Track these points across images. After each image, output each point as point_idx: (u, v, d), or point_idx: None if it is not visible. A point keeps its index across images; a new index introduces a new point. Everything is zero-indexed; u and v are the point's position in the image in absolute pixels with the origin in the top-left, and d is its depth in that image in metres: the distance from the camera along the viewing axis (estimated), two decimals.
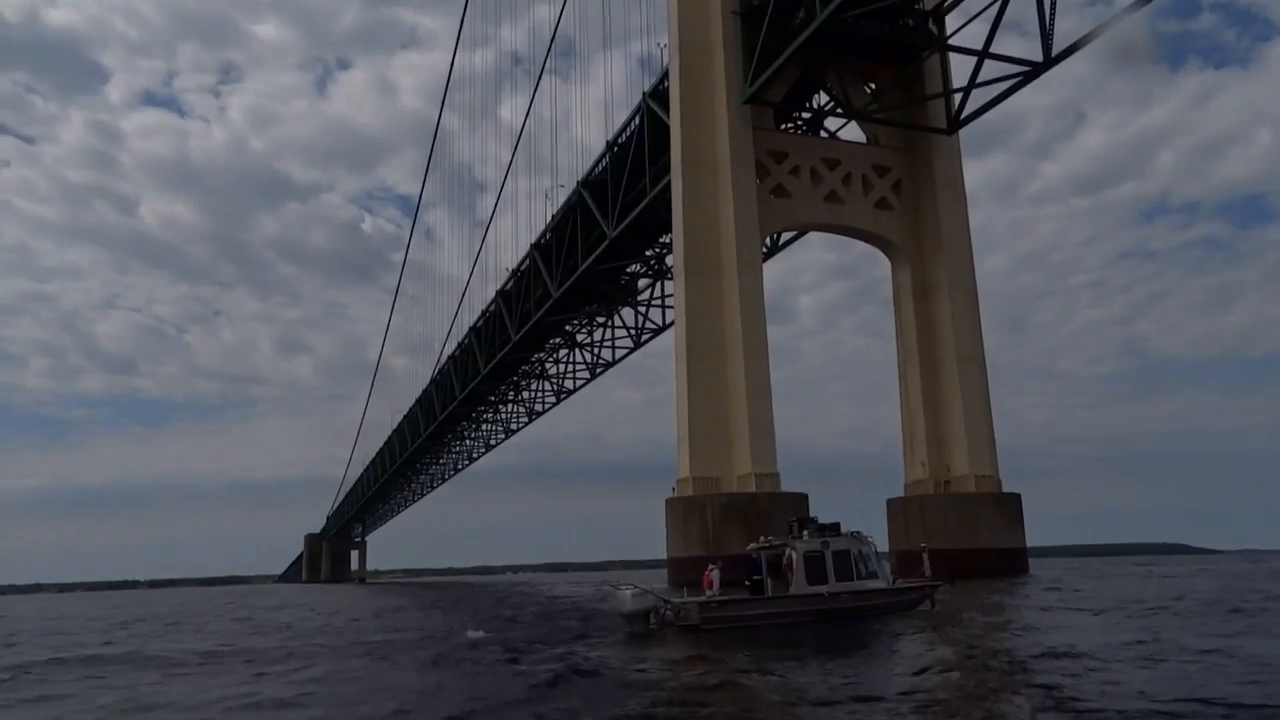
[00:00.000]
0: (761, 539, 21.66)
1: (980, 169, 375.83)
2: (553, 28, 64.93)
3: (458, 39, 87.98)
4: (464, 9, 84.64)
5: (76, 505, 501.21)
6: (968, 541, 42.68)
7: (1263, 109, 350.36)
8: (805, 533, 20.76)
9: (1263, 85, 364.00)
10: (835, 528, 21.06)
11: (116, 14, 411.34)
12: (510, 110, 75.73)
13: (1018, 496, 45.67)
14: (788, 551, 20.31)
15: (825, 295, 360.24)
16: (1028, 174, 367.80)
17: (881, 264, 49.98)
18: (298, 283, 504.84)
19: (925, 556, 26.90)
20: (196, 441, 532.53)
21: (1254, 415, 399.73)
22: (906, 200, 48.55)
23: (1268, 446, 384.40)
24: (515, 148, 73.82)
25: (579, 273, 61.99)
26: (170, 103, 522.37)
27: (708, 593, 20.57)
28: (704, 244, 43.67)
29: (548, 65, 67.52)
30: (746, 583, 21.03)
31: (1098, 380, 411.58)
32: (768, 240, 58.64)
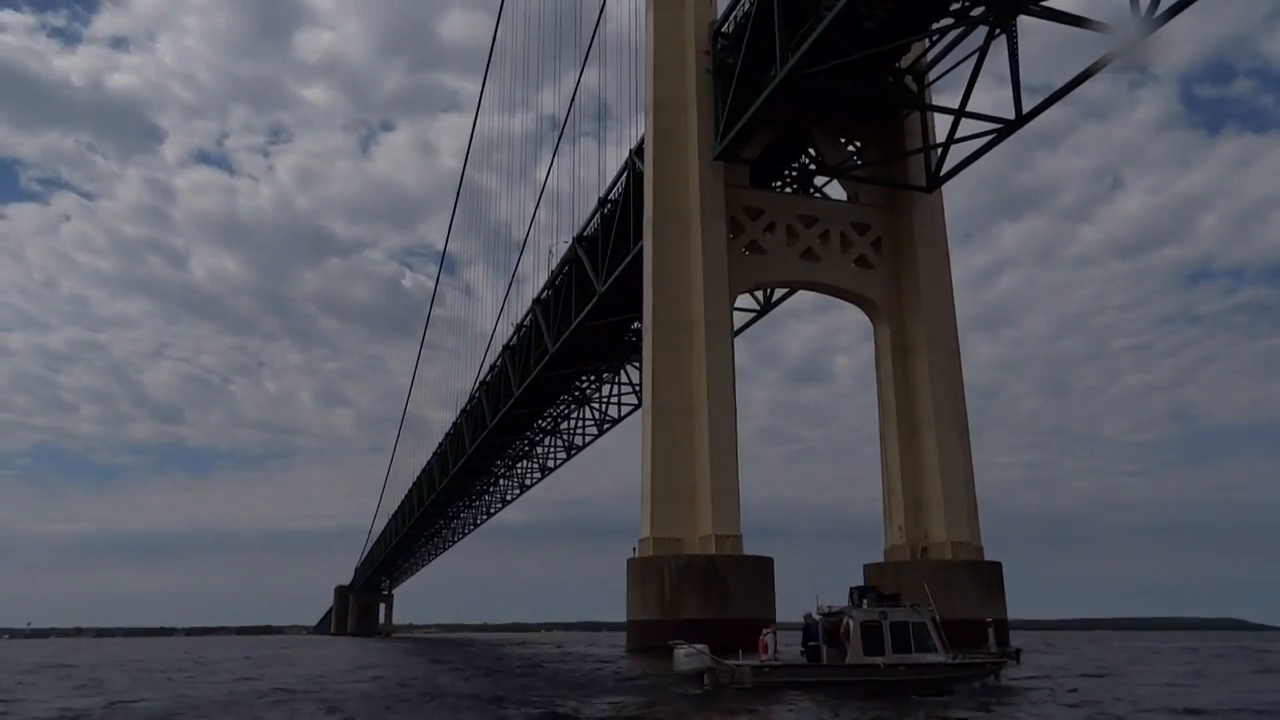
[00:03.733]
0: (820, 607, 21.51)
1: (1017, 231, 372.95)
2: (574, 88, 65.32)
3: (479, 101, 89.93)
4: (485, 74, 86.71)
5: (119, 551, 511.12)
6: (943, 612, 40.71)
7: None
8: (865, 602, 20.55)
9: None
10: (895, 599, 20.94)
11: (174, 78, 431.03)
12: (533, 168, 75.96)
13: (998, 565, 43.83)
14: (845, 620, 20.15)
15: (863, 355, 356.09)
16: (1066, 237, 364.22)
17: None
18: (339, 336, 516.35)
19: (991, 630, 25.62)
20: (238, 490, 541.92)
21: None
22: (887, 258, 47.74)
23: None
24: (537, 205, 74.15)
25: (572, 328, 61.86)
26: (221, 161, 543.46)
27: (763, 656, 20.61)
28: (673, 300, 43.25)
29: (568, 124, 68.00)
30: (802, 649, 21.13)
31: (1144, 447, 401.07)
32: (759, 296, 58.22)
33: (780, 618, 43.24)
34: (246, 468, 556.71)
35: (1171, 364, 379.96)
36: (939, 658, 20.22)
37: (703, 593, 38.37)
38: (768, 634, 21.00)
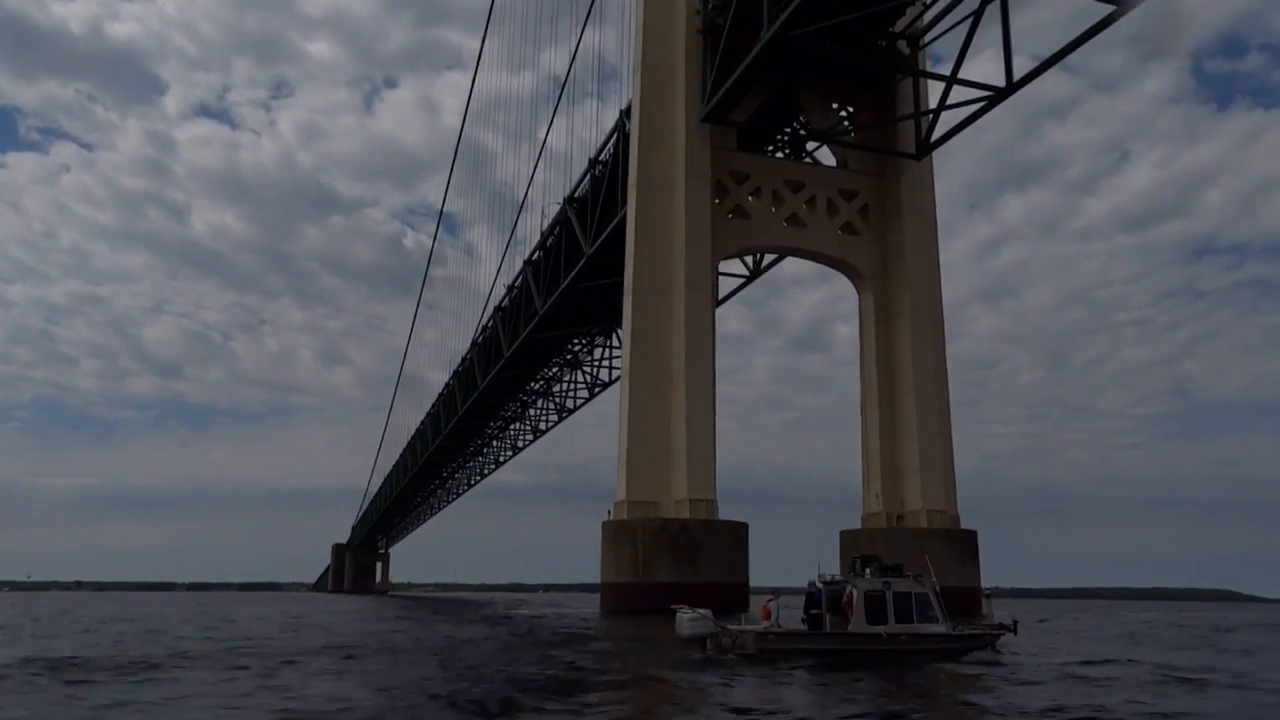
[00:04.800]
0: (822, 575, 21.66)
1: (1023, 203, 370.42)
2: (574, 47, 64.27)
3: (478, 59, 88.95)
4: (485, 31, 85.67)
5: (120, 505, 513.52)
6: None
7: None
8: (868, 571, 20.67)
9: None
10: (898, 569, 21.02)
11: (175, 29, 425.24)
12: (534, 127, 74.87)
13: (973, 534, 43.98)
14: (849, 589, 20.22)
15: None
16: (1071, 210, 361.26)
17: None
18: (340, 295, 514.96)
19: (988, 601, 25.89)
20: (238, 447, 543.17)
21: None
22: (874, 225, 47.36)
23: None
24: (535, 165, 73.37)
25: (560, 290, 61.59)
26: (223, 115, 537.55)
27: (765, 624, 20.60)
28: (654, 263, 43.03)
29: (569, 83, 67.16)
30: (804, 618, 21.18)
31: (1143, 420, 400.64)
32: (748, 262, 57.96)
33: (756, 582, 43.61)
34: (246, 425, 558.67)
35: (1173, 338, 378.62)
36: (940, 628, 20.39)
37: (674, 556, 38.55)
38: (771, 601, 20.97)
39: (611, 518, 41.72)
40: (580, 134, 61.66)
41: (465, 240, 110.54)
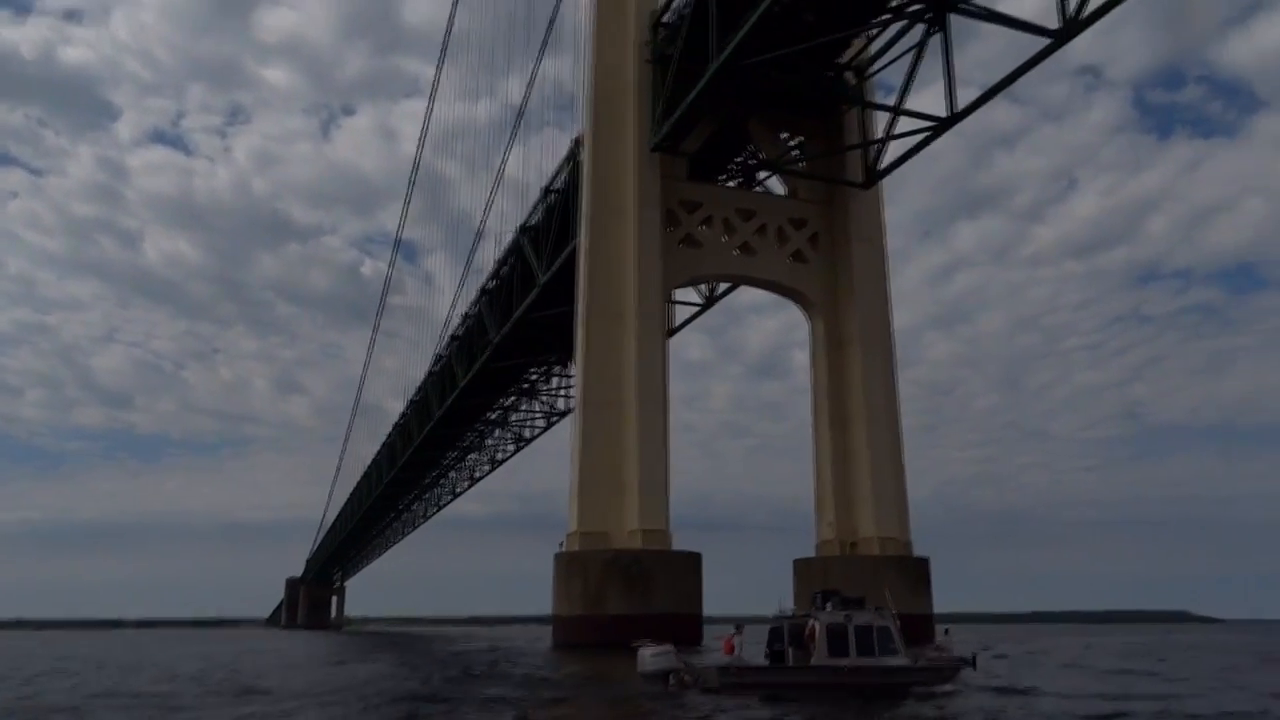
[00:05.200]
0: (783, 607, 21.61)
1: (975, 230, 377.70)
2: (531, 75, 64.06)
3: (434, 87, 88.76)
4: (440, 59, 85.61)
5: (67, 539, 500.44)
6: None
7: (1251, 179, 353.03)
8: (829, 605, 20.48)
9: (1250, 155, 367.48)
10: (860, 602, 20.85)
11: (129, 54, 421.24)
12: (491, 155, 74.55)
13: (925, 561, 44.06)
14: (810, 623, 20.09)
15: None
16: (1021, 237, 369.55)
17: None
18: (296, 323, 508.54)
19: (947, 633, 25.80)
20: (190, 479, 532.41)
21: (1256, 482, 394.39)
22: (823, 253, 47.71)
23: (1269, 514, 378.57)
24: (492, 193, 73.00)
25: (514, 319, 61.23)
26: (177, 141, 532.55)
27: (728, 658, 20.52)
28: (606, 291, 42.87)
29: (526, 112, 66.91)
30: (767, 651, 20.99)
31: (1096, 444, 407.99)
32: (703, 290, 58.07)
33: (715, 612, 43.27)
34: (199, 456, 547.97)
35: (1122, 362, 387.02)
36: (902, 661, 20.26)
37: (626, 588, 38.09)
38: (734, 636, 20.94)
39: (564, 549, 41.18)
40: (538, 162, 61.61)
41: (424, 268, 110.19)
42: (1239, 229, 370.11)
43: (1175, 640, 59.49)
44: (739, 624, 22.09)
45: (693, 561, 40.64)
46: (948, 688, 20.68)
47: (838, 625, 19.76)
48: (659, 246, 43.57)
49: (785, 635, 20.50)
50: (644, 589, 38.20)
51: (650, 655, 20.10)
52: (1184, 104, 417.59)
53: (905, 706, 17.70)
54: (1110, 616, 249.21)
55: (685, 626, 37.66)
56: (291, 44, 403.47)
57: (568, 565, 40.10)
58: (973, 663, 21.95)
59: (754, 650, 21.26)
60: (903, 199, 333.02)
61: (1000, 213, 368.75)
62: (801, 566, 45.49)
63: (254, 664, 37.33)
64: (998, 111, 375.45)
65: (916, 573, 43.40)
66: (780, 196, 49.53)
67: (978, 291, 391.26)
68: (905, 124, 42.28)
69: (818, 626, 19.79)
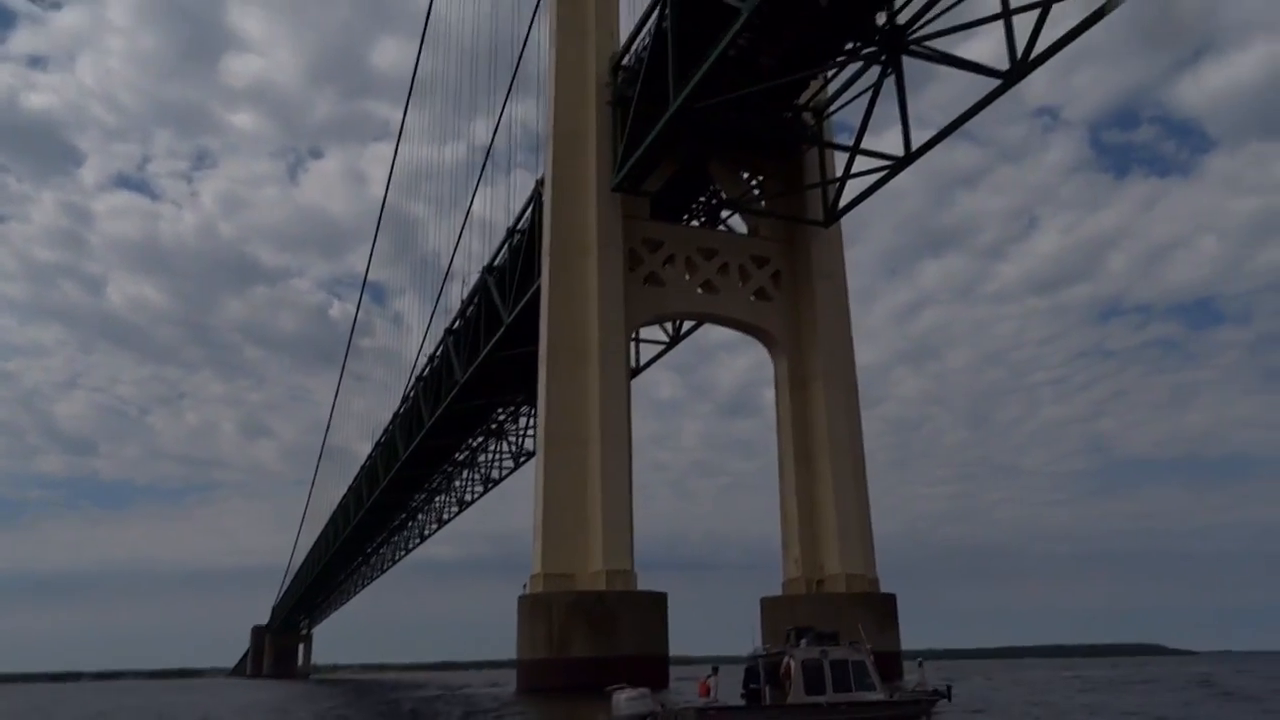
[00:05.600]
0: (757, 646, 21.24)
1: (939, 268, 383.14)
2: (498, 117, 63.99)
3: (400, 129, 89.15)
4: (407, 102, 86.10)
5: (26, 590, 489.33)
6: None
7: (1205, 217, 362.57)
8: (803, 641, 20.18)
9: (1204, 194, 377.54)
10: (834, 637, 20.57)
11: (94, 100, 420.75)
12: (459, 197, 74.60)
13: (892, 597, 43.94)
14: (785, 660, 19.72)
15: None
16: (985, 274, 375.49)
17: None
18: (264, 366, 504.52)
19: (921, 667, 25.60)
20: (155, 526, 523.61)
21: (1221, 514, 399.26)
22: (785, 291, 48.06)
23: (1236, 546, 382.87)
24: (459, 235, 72.86)
25: (480, 359, 61.03)
26: (143, 186, 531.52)
27: (704, 699, 20.04)
28: (568, 331, 42.85)
29: (493, 153, 66.97)
30: (743, 692, 20.63)
31: (1064, 478, 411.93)
32: (668, 328, 58.23)
33: (686, 652, 42.69)
34: (165, 502, 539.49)
35: (1087, 397, 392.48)
36: (878, 695, 20.07)
37: (591, 630, 37.64)
38: (710, 677, 20.65)
39: (528, 591, 40.69)
40: (505, 203, 61.85)
41: (393, 310, 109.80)
42: (1196, 265, 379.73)
43: (1154, 672, 59.55)
44: (715, 665, 21.92)
45: (658, 601, 40.28)
46: (929, 718, 20.70)
47: (813, 662, 19.55)
48: (621, 285, 43.69)
49: (761, 674, 20.24)
50: (609, 631, 37.76)
51: (625, 699, 19.58)
52: (1139, 144, 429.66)
53: None
54: (1083, 650, 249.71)
55: (651, 668, 37.15)
56: (259, 89, 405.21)
57: (531, 608, 39.60)
58: (948, 694, 21.94)
59: (729, 692, 20.99)
60: (869, 238, 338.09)
61: (964, 251, 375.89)
62: (769, 605, 45.24)
63: (192, 713, 36.43)
64: (958, 152, 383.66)
65: (883, 609, 43.23)
66: (742, 235, 49.94)
67: (944, 328, 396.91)
68: (863, 163, 42.91)
69: (793, 664, 19.57)
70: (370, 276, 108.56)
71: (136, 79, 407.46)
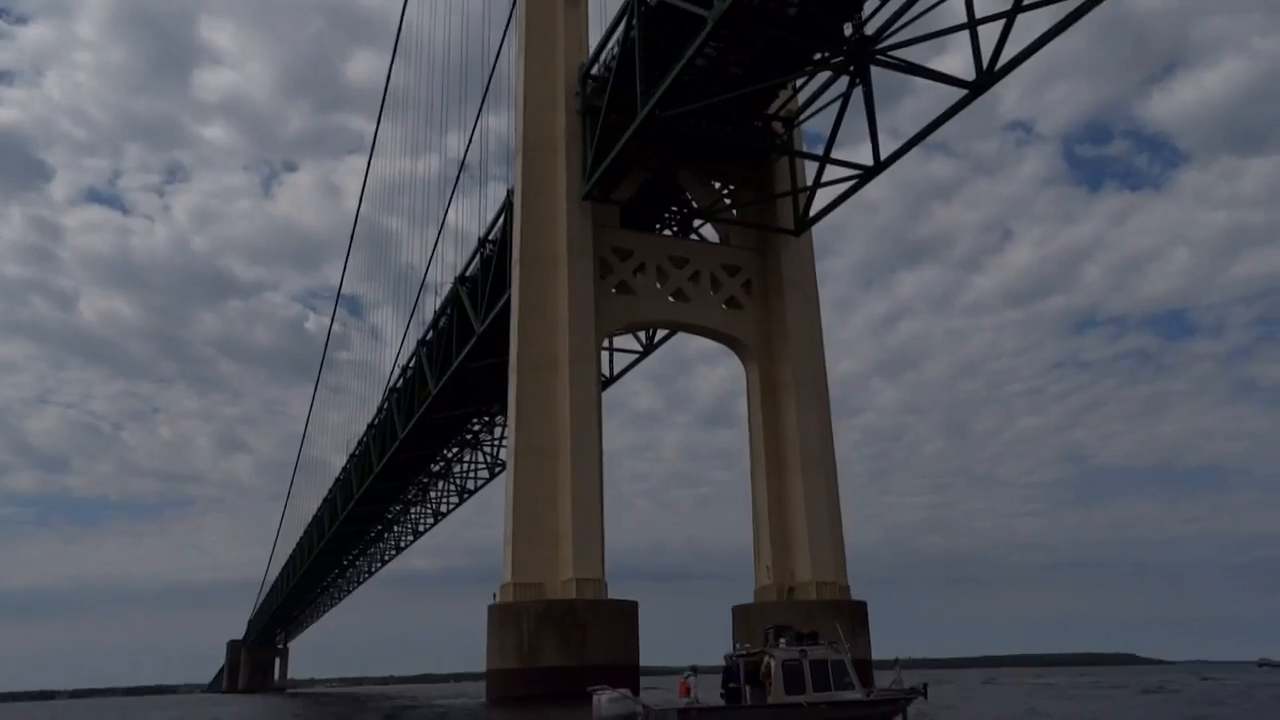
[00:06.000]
0: (738, 646, 21.47)
1: (915, 279, 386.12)
2: (472, 129, 63.66)
3: (373, 141, 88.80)
4: (379, 113, 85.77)
5: (0, 609, 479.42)
6: None
7: (1177, 229, 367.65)
8: (782, 641, 20.40)
9: (1176, 207, 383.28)
10: (814, 637, 20.91)
11: (63, 114, 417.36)
12: (433, 208, 74.21)
13: (863, 605, 44.01)
14: (766, 660, 19.98)
15: None
16: (960, 286, 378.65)
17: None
18: (239, 379, 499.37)
19: (898, 666, 25.72)
20: (130, 542, 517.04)
21: (1194, 524, 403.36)
22: (756, 299, 48.17)
23: (1210, 556, 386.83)
24: (434, 246, 72.41)
25: (452, 369, 60.78)
26: (114, 200, 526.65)
27: (684, 700, 20.12)
28: (538, 340, 42.76)
29: (467, 165, 66.51)
30: (722, 691, 20.88)
31: (1041, 488, 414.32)
32: (641, 337, 58.24)
33: (662, 661, 42.55)
34: (139, 518, 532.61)
35: (1062, 407, 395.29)
36: (857, 695, 20.36)
37: (561, 639, 37.45)
38: (689, 677, 20.73)
39: (498, 601, 40.45)
40: (479, 214, 61.66)
41: (369, 322, 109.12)
42: (1169, 277, 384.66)
43: (1120, 679, 60.07)
44: (694, 666, 21.95)
45: (629, 610, 40.14)
46: (904, 716, 21.15)
47: (793, 662, 19.80)
48: (592, 294, 43.65)
49: (741, 673, 20.44)
50: (579, 640, 37.58)
51: (607, 700, 19.83)
52: (1112, 157, 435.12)
53: None
54: (1058, 660, 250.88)
55: (622, 677, 36.74)
56: (232, 102, 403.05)
57: (501, 617, 39.36)
58: (924, 693, 22.32)
59: (708, 693, 21.07)
60: (845, 249, 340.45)
61: (939, 262, 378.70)
62: (740, 613, 45.16)
63: None
64: (934, 164, 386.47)
65: (854, 616, 43.19)
66: (713, 244, 50.10)
67: (921, 339, 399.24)
68: (834, 172, 43.12)
69: (773, 663, 19.78)
70: (346, 289, 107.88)
71: (106, 93, 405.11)
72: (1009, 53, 33.70)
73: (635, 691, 37.68)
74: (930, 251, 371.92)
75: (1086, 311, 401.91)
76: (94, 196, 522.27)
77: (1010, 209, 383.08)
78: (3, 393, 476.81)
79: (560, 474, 40.81)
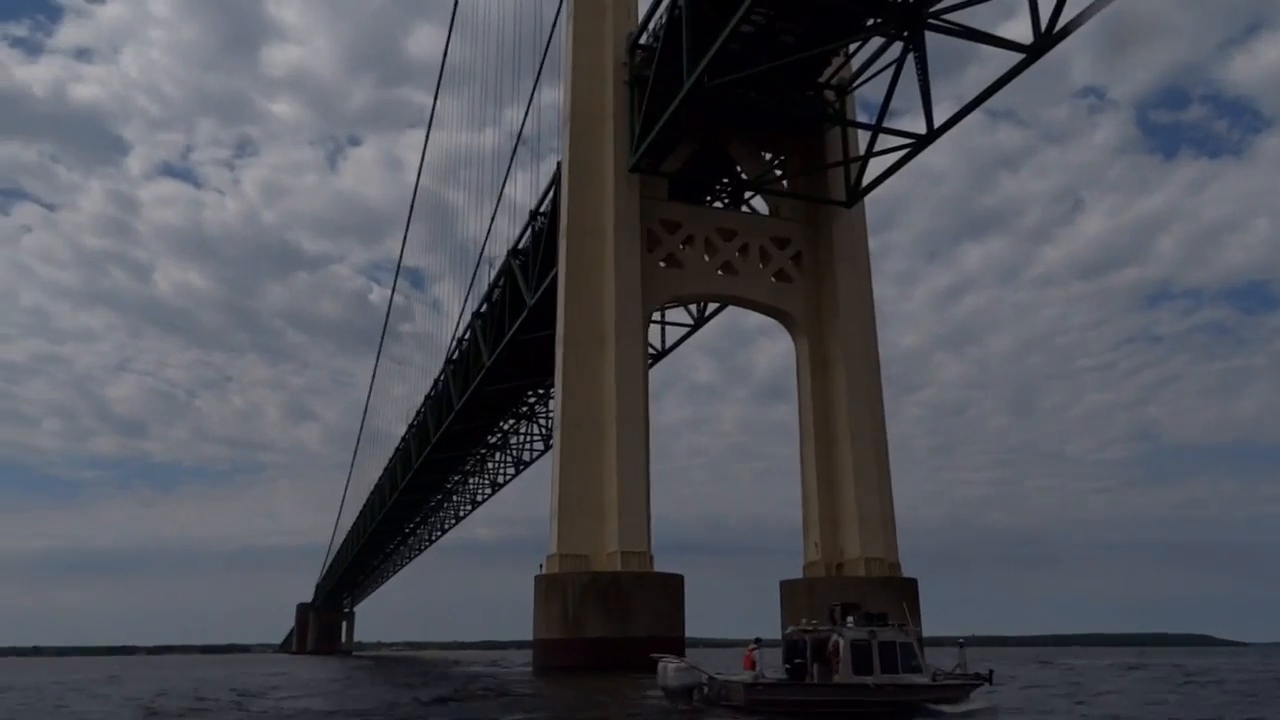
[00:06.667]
0: (804, 622, 21.42)
1: (981, 252, 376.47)
2: (529, 101, 63.45)
3: (431, 114, 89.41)
4: (437, 87, 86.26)
5: (82, 567, 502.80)
6: None
7: (1258, 198, 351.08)
8: (850, 619, 20.41)
9: (1258, 175, 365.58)
10: (882, 618, 20.83)
11: (138, 90, 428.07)
12: (493, 181, 74.36)
13: (913, 582, 43.38)
14: (834, 638, 19.98)
15: None
16: (1028, 258, 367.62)
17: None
18: (306, 350, 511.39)
19: (962, 650, 25.64)
20: (204, 506, 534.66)
21: (1274, 503, 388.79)
22: (807, 273, 47.46)
23: None
24: (492, 219, 72.86)
25: (505, 341, 61.21)
26: (187, 174, 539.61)
27: (749, 673, 20.30)
28: (585, 313, 42.76)
29: (525, 137, 66.59)
30: (786, 665, 20.86)
31: (1109, 465, 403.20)
32: (692, 311, 57.91)
33: (700, 634, 42.51)
34: (213, 483, 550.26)
35: (1134, 383, 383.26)
36: (924, 678, 20.26)
37: (605, 610, 37.70)
38: (755, 649, 20.72)
39: (544, 572, 40.86)
40: (533, 187, 61.62)
41: (430, 294, 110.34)
42: (1248, 248, 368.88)
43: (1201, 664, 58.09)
44: (758, 638, 21.96)
45: (674, 583, 40.20)
46: (966, 704, 20.72)
47: (862, 642, 19.67)
48: (639, 267, 43.44)
49: (808, 650, 20.30)
50: (623, 611, 37.80)
51: (674, 669, 19.80)
52: (1189, 123, 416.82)
53: None
54: (1131, 640, 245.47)
55: (666, 649, 36.92)
56: (298, 78, 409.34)
57: (547, 588, 39.75)
58: (989, 678, 22.04)
59: (773, 666, 20.94)
60: (907, 221, 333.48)
61: (1006, 234, 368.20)
62: (787, 588, 44.96)
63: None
64: (1000, 134, 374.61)
65: (903, 593, 42.62)
66: (763, 216, 49.37)
67: (986, 312, 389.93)
68: (886, 142, 42.14)
69: (842, 643, 19.67)
70: (408, 262, 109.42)
71: (179, 69, 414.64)
72: (1068, 14, 32.51)
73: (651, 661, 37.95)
74: (997, 223, 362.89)
75: (1160, 284, 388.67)
76: (168, 170, 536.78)
77: (1081, 178, 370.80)
78: (85, 360, 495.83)
79: (606, 447, 40.90)
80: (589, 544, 40.16)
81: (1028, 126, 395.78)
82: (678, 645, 39.85)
